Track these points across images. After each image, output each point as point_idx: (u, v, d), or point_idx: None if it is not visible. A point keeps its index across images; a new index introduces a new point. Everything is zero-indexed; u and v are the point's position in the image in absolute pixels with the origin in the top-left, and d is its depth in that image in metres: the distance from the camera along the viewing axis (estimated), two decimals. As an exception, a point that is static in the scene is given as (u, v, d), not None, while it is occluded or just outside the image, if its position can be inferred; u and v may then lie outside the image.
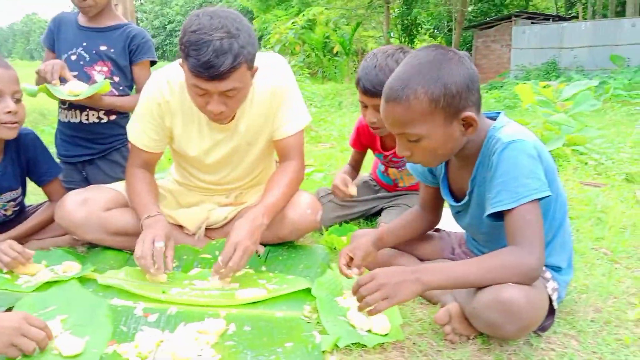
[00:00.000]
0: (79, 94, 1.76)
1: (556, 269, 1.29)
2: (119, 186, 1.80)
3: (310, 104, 6.47)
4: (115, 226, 1.70)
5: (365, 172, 2.35)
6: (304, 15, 17.41)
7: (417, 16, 20.55)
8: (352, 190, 1.87)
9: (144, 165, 1.74)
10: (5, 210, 1.76)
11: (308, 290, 1.46)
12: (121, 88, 1.99)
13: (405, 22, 20.81)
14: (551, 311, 1.22)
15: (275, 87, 1.67)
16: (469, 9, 19.29)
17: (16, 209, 1.81)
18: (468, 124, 1.16)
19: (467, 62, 1.16)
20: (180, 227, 1.84)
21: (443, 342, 1.22)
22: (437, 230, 1.66)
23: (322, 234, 1.98)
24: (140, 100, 1.69)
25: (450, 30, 18.45)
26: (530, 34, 13.91)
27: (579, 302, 1.43)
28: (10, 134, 1.59)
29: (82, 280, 1.51)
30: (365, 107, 1.80)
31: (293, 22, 17.36)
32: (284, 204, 1.69)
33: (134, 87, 2.08)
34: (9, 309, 1.29)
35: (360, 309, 1.16)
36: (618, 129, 4.90)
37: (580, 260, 1.76)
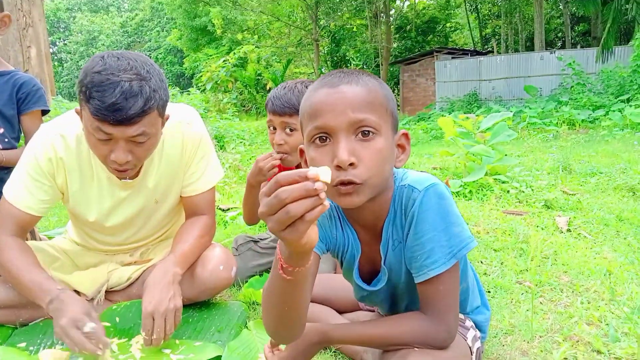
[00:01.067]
0: None
1: (475, 311, 1.22)
2: None
3: (241, 142, 6.34)
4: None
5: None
6: (234, 53, 17.49)
7: (345, 53, 21.25)
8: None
9: (17, 232, 1.47)
10: None
11: (218, 358, 1.30)
12: (6, 140, 1.77)
13: (335, 58, 21.46)
14: (477, 353, 1.14)
15: (187, 140, 1.54)
16: (394, 45, 20.24)
17: None
18: (401, 146, 1.01)
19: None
20: (76, 292, 1.62)
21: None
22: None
23: (241, 287, 1.84)
24: (26, 155, 1.47)
25: (377, 65, 19.18)
26: (451, 68, 14.70)
27: (505, 345, 1.38)
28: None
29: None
30: (273, 129, 1.74)
31: (224, 61, 17.37)
32: (196, 256, 1.55)
33: (22, 139, 1.86)
34: None
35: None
36: (535, 156, 5.14)
37: (506, 297, 1.72)
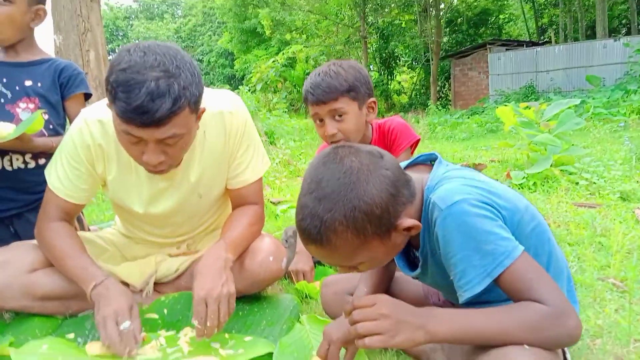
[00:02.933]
0: (5, 136, 1.51)
1: None
2: None
3: (290, 138, 6.29)
4: (43, 290, 1.42)
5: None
6: (283, 54, 17.58)
7: (394, 49, 20.90)
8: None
9: (63, 217, 1.45)
10: None
11: (270, 355, 1.20)
12: (51, 127, 1.74)
13: (384, 55, 21.14)
14: None
15: (230, 130, 1.45)
16: (444, 39, 19.68)
17: None
18: (408, 229, 0.95)
19: (377, 168, 0.92)
20: (125, 284, 1.58)
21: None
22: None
23: (293, 280, 1.74)
24: (66, 141, 1.42)
25: (428, 60, 18.72)
26: (505, 60, 14.10)
27: (594, 349, 1.20)
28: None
29: (-6, 358, 1.24)
30: (320, 121, 1.62)
31: (273, 61, 17.50)
32: (247, 244, 1.46)
33: (66, 125, 1.84)
34: None
35: (349, 335, 0.91)
36: (604, 147, 4.76)
37: (588, 295, 1.53)
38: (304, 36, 22.23)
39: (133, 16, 43.47)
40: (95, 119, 1.39)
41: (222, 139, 1.45)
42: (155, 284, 1.59)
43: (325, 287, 1.42)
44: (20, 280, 1.40)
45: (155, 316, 1.45)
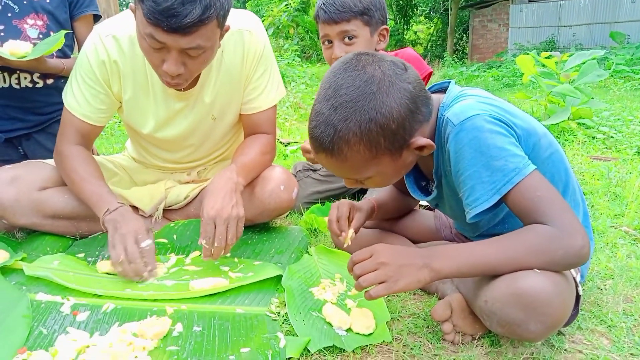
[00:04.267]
0: (23, 54, 1.47)
1: None
2: None
3: (302, 82, 6.17)
4: (53, 208, 1.42)
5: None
6: (297, -3, 16.98)
7: (412, -4, 20.12)
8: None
9: (81, 141, 1.42)
10: None
11: (278, 279, 1.21)
12: (61, 49, 1.69)
13: (401, 2, 20.38)
14: (575, 299, 0.96)
15: (248, 50, 1.40)
16: (466, -12, 18.87)
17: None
18: (420, 147, 0.92)
19: (398, 81, 0.88)
20: (135, 208, 1.58)
21: (441, 343, 0.97)
22: (431, 208, 1.41)
23: (302, 214, 1.73)
24: (81, 59, 1.38)
25: (446, 10, 18.04)
26: (527, 13, 13.55)
27: (604, 290, 1.19)
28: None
29: (7, 271, 1.25)
30: (329, 43, 1.56)
31: (286, 5, 16.91)
32: (257, 172, 1.44)
33: (74, 47, 1.79)
34: None
35: (357, 288, 0.90)
36: (623, 104, 4.63)
37: (600, 240, 1.51)
38: (320, -21, 21.37)
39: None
40: (110, 35, 1.34)
41: (239, 59, 1.40)
42: (165, 210, 1.59)
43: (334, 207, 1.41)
44: (30, 197, 1.40)
45: (165, 241, 1.46)
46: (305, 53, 18.08)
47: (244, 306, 1.11)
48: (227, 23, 1.23)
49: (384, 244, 0.92)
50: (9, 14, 1.62)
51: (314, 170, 1.90)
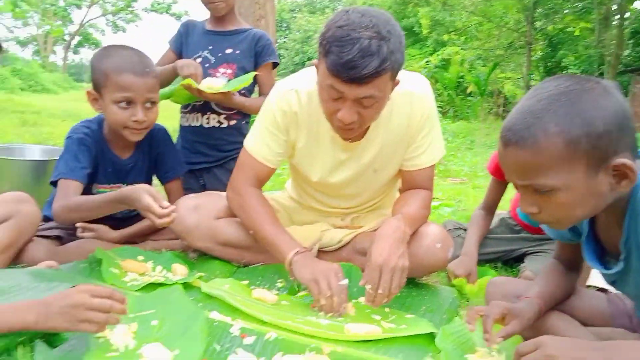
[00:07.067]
0: (217, 88, 1.74)
1: None
2: None
3: (443, 138, 6.16)
4: (224, 236, 1.60)
5: (502, 210, 2.01)
6: (438, 54, 17.16)
7: (562, 58, 19.14)
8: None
9: (256, 184, 1.57)
10: (130, 205, 1.77)
11: (431, 337, 1.19)
12: (242, 91, 1.95)
13: (549, 64, 19.49)
14: None
15: (415, 113, 1.47)
16: (625, 52, 17.46)
17: (139, 205, 1.82)
18: (622, 174, 0.83)
19: (615, 92, 0.84)
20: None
21: None
22: (603, 290, 1.30)
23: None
24: (265, 109, 1.56)
25: (601, 74, 16.78)
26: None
27: None
28: (136, 138, 1.59)
29: (186, 286, 1.42)
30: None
31: (427, 61, 17.19)
32: (417, 226, 1.47)
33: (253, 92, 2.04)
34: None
35: None
36: None
37: None
38: (463, 38, 21.41)
39: (297, 9, 46.12)
40: (292, 89, 1.52)
41: (405, 120, 1.47)
42: (318, 251, 1.68)
43: (492, 286, 1.36)
44: (208, 224, 1.59)
45: (318, 280, 1.53)
46: (442, 108, 18.06)
47: (397, 359, 1.12)
48: (397, 79, 1.32)
49: (551, 337, 0.86)
50: (207, 65, 1.94)
51: (465, 230, 1.87)
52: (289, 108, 1.51)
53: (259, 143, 1.56)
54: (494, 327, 1.06)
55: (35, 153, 2.32)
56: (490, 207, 1.87)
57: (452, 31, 20.98)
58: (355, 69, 1.18)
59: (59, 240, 1.62)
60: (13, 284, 1.20)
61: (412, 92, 1.47)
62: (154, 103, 1.58)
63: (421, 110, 1.47)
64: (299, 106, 1.50)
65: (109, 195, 1.48)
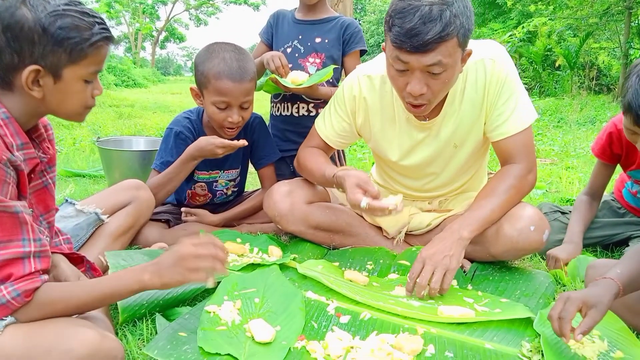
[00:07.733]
0: (301, 82, 1.80)
1: None
2: None
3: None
4: (316, 220, 1.67)
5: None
6: (523, 27, 16.12)
7: (668, 22, 17.22)
8: None
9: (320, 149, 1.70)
10: (227, 189, 1.90)
11: (528, 321, 1.18)
12: (330, 80, 1.98)
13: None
14: None
15: (492, 78, 1.41)
16: None
17: (235, 189, 1.94)
18: None
19: None
20: (379, 228, 1.73)
21: None
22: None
23: (544, 258, 1.65)
24: (338, 91, 1.63)
25: None
26: None
27: None
28: (229, 136, 1.70)
29: (282, 267, 1.50)
30: (634, 134, 1.33)
31: (510, 35, 16.21)
32: (498, 216, 1.43)
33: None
34: (217, 283, 1.32)
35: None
36: None
37: None
38: (551, 7, 19.93)
39: (372, -10, 45.37)
40: (365, 74, 1.56)
41: (481, 88, 1.43)
42: (406, 234, 1.70)
43: (591, 269, 1.31)
44: (300, 208, 1.66)
45: (407, 263, 1.55)
46: (527, 84, 17.03)
47: (493, 342, 1.12)
48: (470, 48, 1.29)
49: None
50: (296, 55, 1.98)
51: (563, 213, 1.79)
52: (359, 93, 1.55)
53: (324, 122, 1.66)
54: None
55: (140, 144, 2.55)
56: (595, 192, 1.76)
57: (539, 1, 19.61)
58: (418, 36, 1.18)
59: (167, 223, 1.78)
60: (133, 264, 1.34)
61: (484, 59, 1.42)
62: (249, 102, 1.67)
63: (497, 75, 1.41)
64: (370, 91, 1.54)
65: (179, 159, 1.67)
